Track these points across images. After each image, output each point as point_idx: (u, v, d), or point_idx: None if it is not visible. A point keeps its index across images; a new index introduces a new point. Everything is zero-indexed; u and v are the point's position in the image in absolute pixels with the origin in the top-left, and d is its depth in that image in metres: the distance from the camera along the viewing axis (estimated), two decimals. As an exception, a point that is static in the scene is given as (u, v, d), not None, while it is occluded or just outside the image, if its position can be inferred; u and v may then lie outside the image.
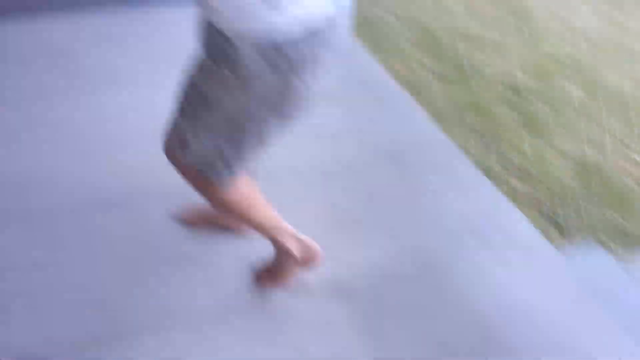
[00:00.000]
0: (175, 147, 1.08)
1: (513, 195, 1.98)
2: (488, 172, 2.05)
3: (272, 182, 1.50)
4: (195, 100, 1.00)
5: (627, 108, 2.64)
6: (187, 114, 1.03)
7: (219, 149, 1.04)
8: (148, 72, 2.17)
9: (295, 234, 1.34)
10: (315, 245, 1.38)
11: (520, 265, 1.67)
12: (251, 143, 1.03)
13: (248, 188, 1.20)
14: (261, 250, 1.44)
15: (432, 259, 1.66)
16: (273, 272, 1.44)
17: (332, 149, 2.00)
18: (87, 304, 1.38)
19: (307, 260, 1.39)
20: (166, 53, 2.16)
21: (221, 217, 1.57)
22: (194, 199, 1.31)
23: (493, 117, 2.42)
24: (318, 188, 1.83)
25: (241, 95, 0.93)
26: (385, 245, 1.66)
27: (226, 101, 0.95)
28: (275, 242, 1.34)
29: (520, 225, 1.83)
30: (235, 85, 0.92)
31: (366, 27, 2.86)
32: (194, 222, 1.59)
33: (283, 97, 0.94)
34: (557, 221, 1.95)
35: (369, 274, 1.57)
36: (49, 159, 1.77)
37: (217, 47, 0.90)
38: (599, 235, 1.94)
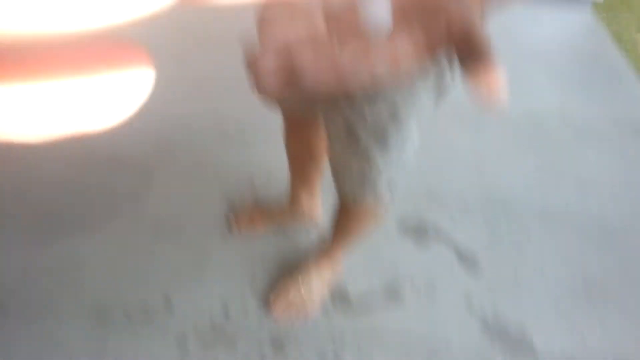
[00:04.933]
0: (382, 193, 1.07)
1: None
2: None
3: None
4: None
5: None
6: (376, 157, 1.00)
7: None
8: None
9: None
10: None
11: None
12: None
13: None
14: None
15: None
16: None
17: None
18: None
19: None
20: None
21: (279, 213, 1.58)
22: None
23: None
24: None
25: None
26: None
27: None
28: (337, 262, 1.41)
29: None
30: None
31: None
32: (247, 224, 1.59)
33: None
34: None
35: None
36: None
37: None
38: None
